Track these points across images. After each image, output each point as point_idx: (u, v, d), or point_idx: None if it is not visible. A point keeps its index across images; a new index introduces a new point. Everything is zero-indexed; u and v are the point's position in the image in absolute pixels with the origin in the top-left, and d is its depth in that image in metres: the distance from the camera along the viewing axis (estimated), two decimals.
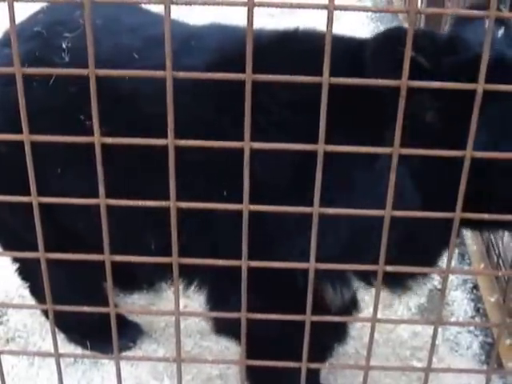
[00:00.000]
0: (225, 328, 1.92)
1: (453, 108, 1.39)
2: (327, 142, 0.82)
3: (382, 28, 4.44)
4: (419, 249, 1.63)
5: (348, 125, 1.48)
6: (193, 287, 1.90)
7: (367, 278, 1.76)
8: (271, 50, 1.57)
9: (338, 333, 1.93)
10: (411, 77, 0.78)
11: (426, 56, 1.36)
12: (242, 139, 0.85)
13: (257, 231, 1.54)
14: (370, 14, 5.06)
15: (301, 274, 1.53)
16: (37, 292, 2.24)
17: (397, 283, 1.75)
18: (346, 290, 1.74)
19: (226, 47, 1.66)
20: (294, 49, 1.64)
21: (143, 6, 2.01)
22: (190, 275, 1.88)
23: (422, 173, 1.50)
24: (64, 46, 1.70)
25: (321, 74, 0.78)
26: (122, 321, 2.32)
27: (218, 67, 1.55)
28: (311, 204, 0.92)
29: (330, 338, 1.91)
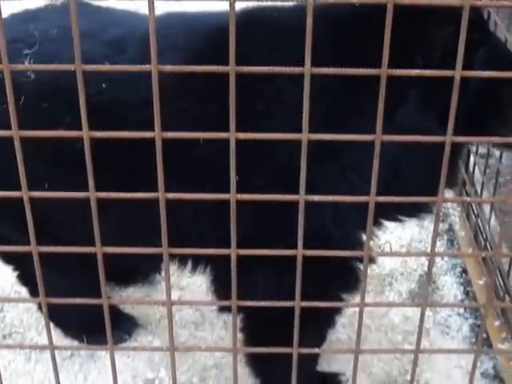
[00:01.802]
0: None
1: None
2: None
3: None
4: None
5: None
6: (199, 268, 1.92)
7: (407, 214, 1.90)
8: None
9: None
10: None
11: None
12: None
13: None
14: None
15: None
16: (37, 295, 2.25)
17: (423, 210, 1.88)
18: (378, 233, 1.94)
19: (195, 42, 1.68)
20: (257, 32, 1.66)
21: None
22: (199, 260, 1.90)
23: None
24: (26, 63, 1.69)
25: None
26: (117, 314, 2.34)
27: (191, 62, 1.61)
28: None
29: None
